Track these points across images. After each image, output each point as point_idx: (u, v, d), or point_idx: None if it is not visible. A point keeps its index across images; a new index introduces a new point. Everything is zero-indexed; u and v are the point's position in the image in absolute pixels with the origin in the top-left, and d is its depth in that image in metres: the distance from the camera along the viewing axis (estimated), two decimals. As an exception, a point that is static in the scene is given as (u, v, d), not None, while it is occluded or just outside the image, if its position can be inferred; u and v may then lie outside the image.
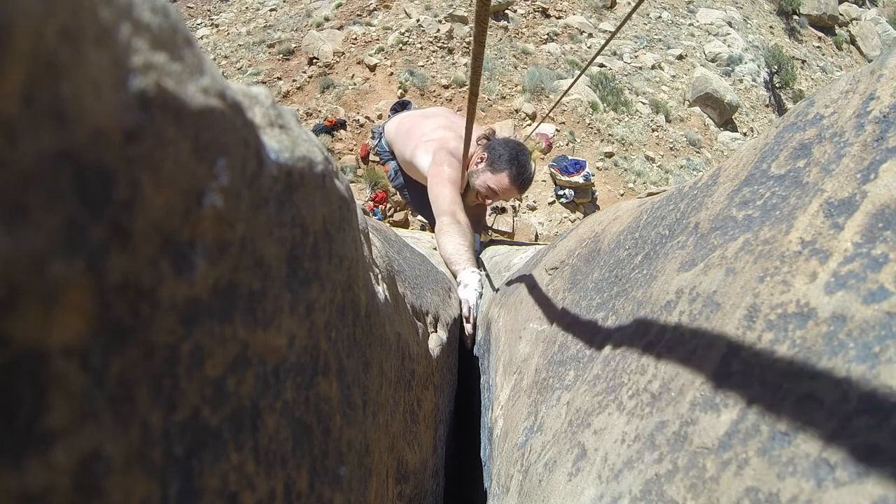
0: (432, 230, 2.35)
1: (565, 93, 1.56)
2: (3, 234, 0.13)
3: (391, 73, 8.09)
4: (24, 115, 0.13)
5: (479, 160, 2.16)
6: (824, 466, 0.24)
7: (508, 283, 1.25)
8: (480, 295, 1.64)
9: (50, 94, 0.14)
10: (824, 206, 0.35)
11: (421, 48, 8.50)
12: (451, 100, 7.77)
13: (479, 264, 2.10)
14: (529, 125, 7.36)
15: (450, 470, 1.03)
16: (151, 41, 0.18)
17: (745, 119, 9.90)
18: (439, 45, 8.53)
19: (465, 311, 1.56)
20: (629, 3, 11.14)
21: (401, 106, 3.01)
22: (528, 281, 0.98)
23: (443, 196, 2.03)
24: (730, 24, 11.79)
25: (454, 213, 1.98)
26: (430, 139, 2.30)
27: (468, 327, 1.55)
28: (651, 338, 0.45)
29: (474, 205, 2.36)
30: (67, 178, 0.14)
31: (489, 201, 2.28)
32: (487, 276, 1.89)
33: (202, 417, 0.21)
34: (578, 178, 6.62)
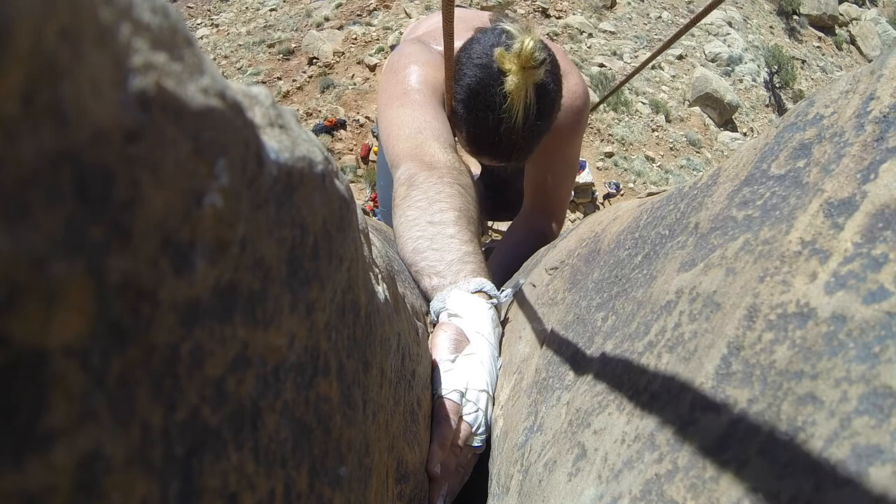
0: None
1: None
2: (3, 234, 0.13)
3: (391, 73, 8.10)
4: (24, 115, 0.13)
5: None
6: (824, 466, 0.24)
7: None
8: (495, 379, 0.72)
9: (50, 94, 0.14)
10: (824, 206, 0.35)
11: (421, 48, 8.50)
12: (451, 100, 7.77)
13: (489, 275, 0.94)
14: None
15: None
16: (151, 41, 0.18)
17: (745, 119, 9.89)
18: (439, 45, 8.52)
19: (461, 431, 0.65)
20: (629, 3, 11.14)
21: None
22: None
23: (398, 123, 0.98)
24: (730, 24, 11.79)
25: (418, 155, 0.91)
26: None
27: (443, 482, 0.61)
28: (651, 338, 0.45)
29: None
30: (67, 178, 0.14)
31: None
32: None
33: (202, 417, 0.21)
34: (578, 178, 6.63)
